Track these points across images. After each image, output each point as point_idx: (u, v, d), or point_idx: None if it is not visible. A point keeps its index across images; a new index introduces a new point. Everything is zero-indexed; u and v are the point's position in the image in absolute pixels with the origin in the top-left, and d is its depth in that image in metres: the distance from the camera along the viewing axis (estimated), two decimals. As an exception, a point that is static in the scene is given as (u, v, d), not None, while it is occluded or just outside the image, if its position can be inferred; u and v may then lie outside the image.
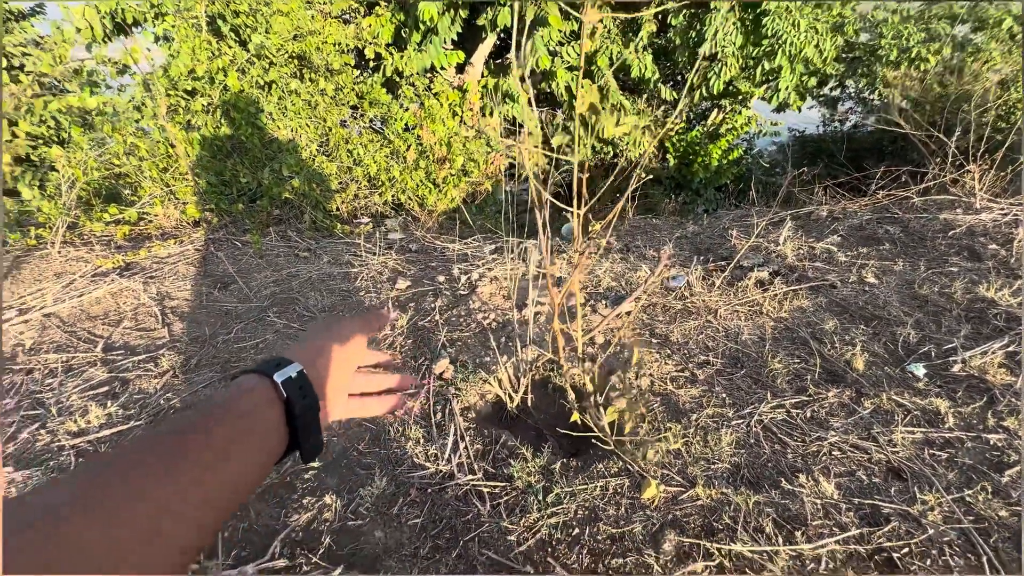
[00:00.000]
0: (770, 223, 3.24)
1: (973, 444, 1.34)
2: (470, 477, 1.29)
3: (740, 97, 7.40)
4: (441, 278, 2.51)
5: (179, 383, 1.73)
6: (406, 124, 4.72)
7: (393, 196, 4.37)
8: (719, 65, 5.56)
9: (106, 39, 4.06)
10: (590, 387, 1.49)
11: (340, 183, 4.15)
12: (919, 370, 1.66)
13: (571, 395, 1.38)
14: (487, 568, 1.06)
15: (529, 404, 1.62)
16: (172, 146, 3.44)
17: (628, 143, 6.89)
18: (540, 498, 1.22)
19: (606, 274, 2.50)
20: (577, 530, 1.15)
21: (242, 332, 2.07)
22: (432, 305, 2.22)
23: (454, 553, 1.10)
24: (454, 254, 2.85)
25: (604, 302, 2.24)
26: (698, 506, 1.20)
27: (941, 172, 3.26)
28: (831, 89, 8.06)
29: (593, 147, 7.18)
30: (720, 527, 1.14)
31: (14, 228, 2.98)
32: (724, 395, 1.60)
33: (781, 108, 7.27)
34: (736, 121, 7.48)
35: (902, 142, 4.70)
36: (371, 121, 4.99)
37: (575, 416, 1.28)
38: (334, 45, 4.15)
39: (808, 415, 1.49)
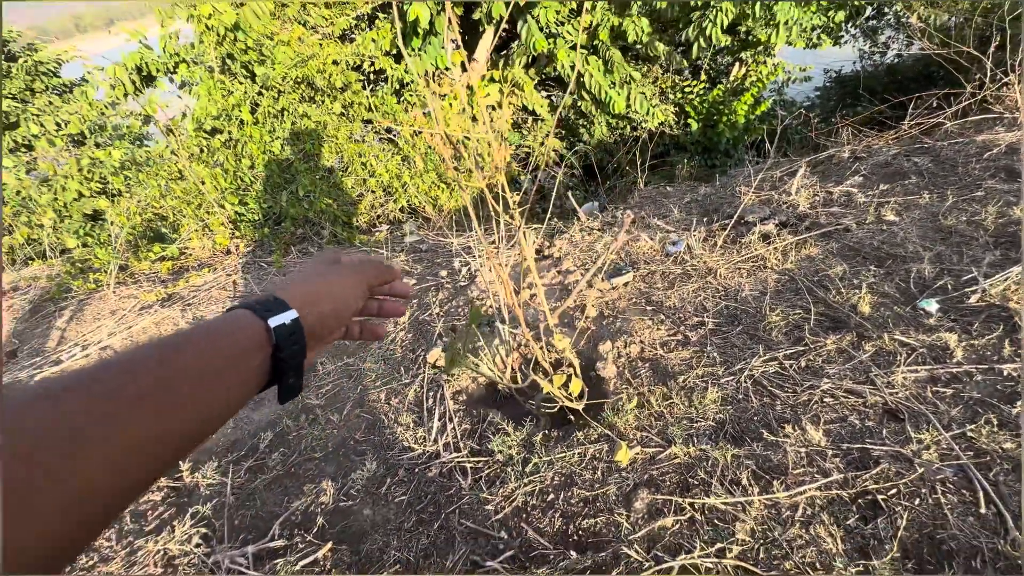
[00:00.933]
0: (785, 173, 3.07)
1: (984, 377, 1.24)
2: (455, 455, 1.35)
3: (762, 47, 6.99)
4: (443, 272, 2.58)
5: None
6: (415, 130, 4.84)
7: (408, 201, 4.50)
8: (713, 11, 5.27)
9: (137, 92, 4.45)
10: (573, 359, 1.51)
11: (357, 195, 4.33)
12: (931, 306, 1.54)
13: (546, 367, 1.40)
14: (465, 536, 1.12)
15: (519, 382, 1.65)
16: (202, 182, 3.74)
17: (643, 115, 6.68)
18: (519, 469, 1.26)
19: (605, 248, 2.48)
20: (552, 496, 1.17)
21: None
22: (433, 299, 2.30)
23: (436, 524, 1.17)
24: (459, 248, 2.91)
25: (600, 276, 2.22)
26: (675, 464, 1.19)
27: (979, 90, 2.95)
28: (866, 19, 7.44)
29: (608, 123, 7.01)
30: (695, 482, 1.13)
31: (76, 275, 3.36)
32: (716, 354, 1.56)
33: (811, 47, 6.76)
34: (761, 72, 7.06)
35: (954, 65, 4.26)
36: (385, 130, 5.16)
37: (545, 387, 1.31)
38: (334, 64, 4.32)
39: (803, 365, 1.43)
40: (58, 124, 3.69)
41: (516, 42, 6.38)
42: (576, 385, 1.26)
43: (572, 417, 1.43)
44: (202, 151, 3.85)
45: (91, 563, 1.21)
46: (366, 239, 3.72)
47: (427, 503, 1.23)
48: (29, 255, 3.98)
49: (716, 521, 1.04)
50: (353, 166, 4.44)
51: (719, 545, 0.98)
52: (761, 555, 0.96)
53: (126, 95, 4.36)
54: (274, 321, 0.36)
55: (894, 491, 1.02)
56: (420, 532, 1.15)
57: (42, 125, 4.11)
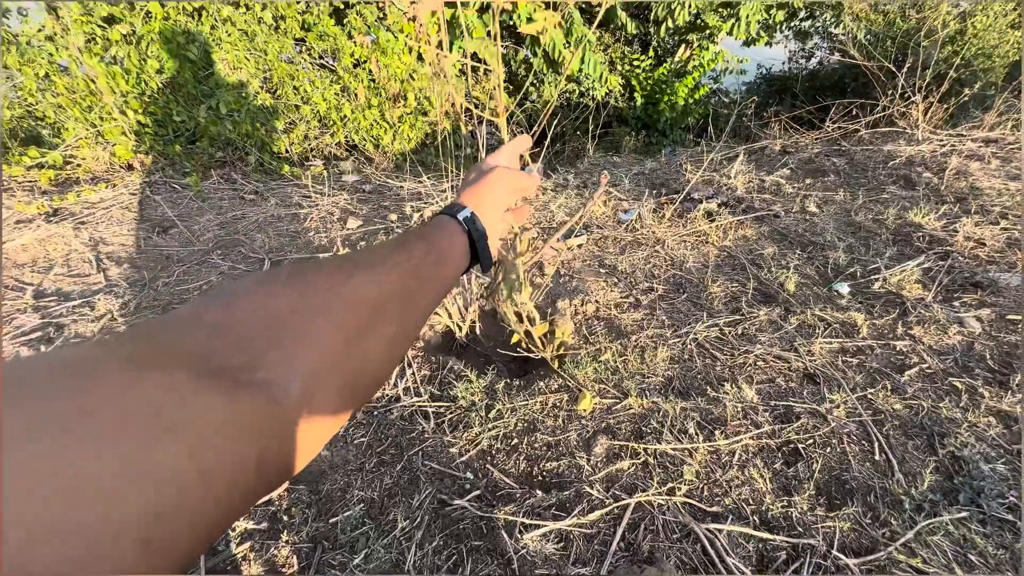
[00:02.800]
0: (724, 158, 3.28)
1: (881, 351, 1.46)
2: (415, 399, 1.33)
3: (708, 32, 7.23)
4: (393, 216, 2.46)
5: (118, 326, 1.68)
6: (356, 60, 4.42)
7: (346, 137, 4.17)
8: None
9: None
10: (534, 313, 1.53)
11: (288, 123, 3.92)
12: (844, 288, 1.76)
13: (512, 318, 1.42)
14: (429, 477, 1.13)
15: (478, 332, 1.66)
16: (93, 82, 3.14)
17: (594, 80, 6.69)
18: (483, 414, 1.28)
19: (560, 208, 2.51)
20: (516, 440, 1.22)
21: (184, 275, 2.01)
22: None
23: (399, 466, 1.16)
24: (407, 193, 2.78)
25: (557, 237, 2.25)
26: (630, 414, 1.28)
27: (890, 105, 3.32)
28: (801, 20, 7.95)
29: (557, 85, 6.95)
30: (648, 431, 1.23)
31: (-81, 173, 2.72)
32: (664, 318, 1.67)
33: (749, 43, 7.14)
34: (703, 57, 7.33)
35: (863, 79, 4.73)
36: (320, 56, 4.65)
37: (515, 337, 1.32)
38: (268, -35, 3.77)
39: (739, 332, 1.59)
40: None
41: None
42: (542, 328, 1.29)
43: (532, 369, 1.47)
44: (92, 40, 3.21)
45: None
46: (298, 172, 3.41)
47: (388, 445, 1.22)
48: None
49: (667, 464, 1.14)
50: (283, 89, 3.98)
51: (670, 485, 1.09)
52: (705, 493, 1.08)
53: None
54: (461, 215, 0.50)
55: (811, 441, 1.19)
56: (383, 472, 1.14)
57: None
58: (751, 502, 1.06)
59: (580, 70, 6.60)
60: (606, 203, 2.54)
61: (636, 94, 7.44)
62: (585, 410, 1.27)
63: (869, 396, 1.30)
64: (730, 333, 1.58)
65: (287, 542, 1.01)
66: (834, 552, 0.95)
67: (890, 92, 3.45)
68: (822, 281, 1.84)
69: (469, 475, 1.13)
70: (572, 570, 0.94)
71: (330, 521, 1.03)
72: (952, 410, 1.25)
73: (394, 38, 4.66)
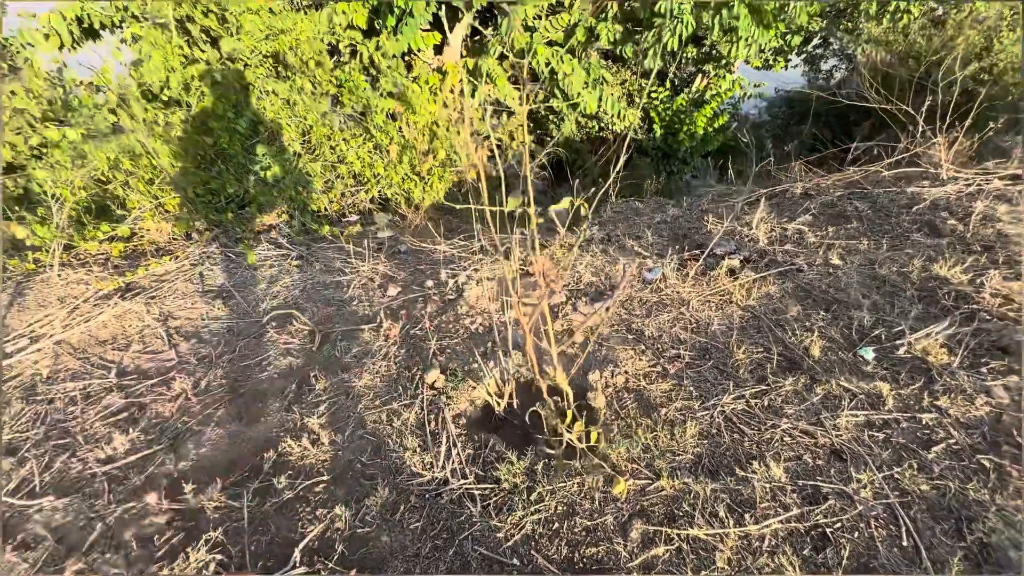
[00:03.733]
0: (746, 203, 3.35)
1: (907, 424, 1.51)
2: (463, 482, 1.45)
3: (723, 61, 7.33)
4: (429, 283, 2.63)
5: (192, 405, 1.88)
6: (387, 114, 4.71)
7: (379, 192, 4.42)
8: (675, 22, 5.50)
9: (75, 45, 4.03)
10: (567, 388, 1.65)
11: (326, 182, 4.20)
12: (869, 354, 1.81)
13: (548, 403, 1.53)
14: (480, 563, 1.24)
15: (515, 406, 1.77)
16: (155, 157, 3.48)
17: (612, 116, 6.86)
18: (524, 497, 1.39)
19: (586, 269, 2.63)
20: (556, 524, 1.32)
21: (245, 350, 2.21)
22: (422, 312, 2.36)
23: (451, 551, 1.28)
24: (441, 255, 2.96)
25: (585, 299, 2.37)
26: (663, 496, 1.37)
27: (911, 144, 3.35)
28: (814, 47, 8.00)
29: (577, 122, 7.15)
30: (680, 514, 1.31)
31: (12, 254, 3.06)
32: (692, 388, 1.76)
33: (766, 67, 7.23)
34: (720, 86, 7.44)
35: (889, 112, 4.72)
36: (351, 113, 4.97)
37: (565, 433, 1.44)
38: (307, 41, 4.11)
39: (766, 404, 1.65)
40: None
41: (491, 29, 6.33)
42: (579, 428, 1.40)
43: (569, 445, 1.57)
44: (157, 123, 3.57)
45: (100, 591, 1.22)
46: (336, 232, 3.65)
47: (440, 529, 1.34)
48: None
49: (700, 550, 1.22)
50: (321, 149, 4.28)
51: (704, 573, 1.17)
52: (737, 581, 1.15)
53: (61, 47, 3.93)
54: None
55: (839, 525, 1.25)
56: (437, 559, 1.26)
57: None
58: (782, 591, 1.13)
59: (599, 106, 6.80)
60: (630, 262, 2.65)
61: (655, 125, 7.58)
62: (621, 493, 1.36)
63: (895, 476, 1.35)
64: (756, 405, 1.65)
65: (357, 628, 1.13)
66: (863, 647, 1.01)
67: (910, 129, 3.47)
68: (847, 345, 1.89)
69: (516, 561, 1.24)
70: (615, 660, 1.03)
71: (394, 609, 1.16)
72: (980, 491, 1.29)
73: (419, 88, 4.94)
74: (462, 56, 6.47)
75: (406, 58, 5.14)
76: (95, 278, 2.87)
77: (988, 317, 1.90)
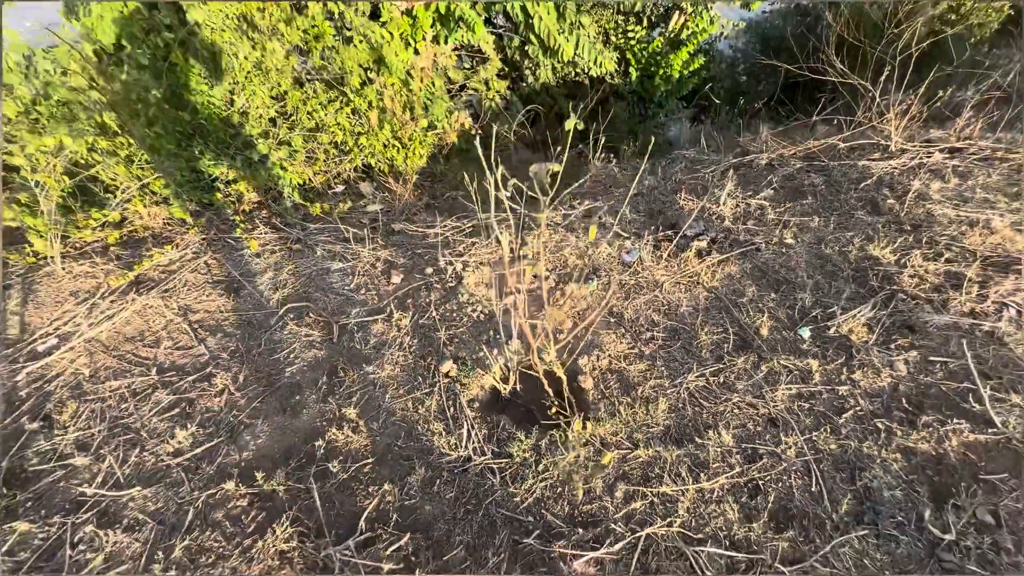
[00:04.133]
0: (715, 174, 3.61)
1: (828, 395, 1.94)
2: (483, 458, 1.82)
3: (701, -3, 7.15)
4: (429, 269, 2.86)
5: (237, 400, 2.16)
6: (362, 79, 4.61)
7: (363, 160, 4.45)
8: None
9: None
10: (560, 372, 1.99)
11: (308, 152, 4.21)
12: (806, 333, 2.21)
13: (548, 393, 1.88)
14: (503, 521, 1.63)
15: (518, 389, 2.12)
16: (131, 134, 3.43)
17: (589, 62, 6.77)
18: (533, 468, 1.77)
19: (571, 254, 2.90)
20: (560, 489, 1.71)
21: (271, 343, 2.46)
22: (427, 300, 2.62)
23: (480, 513, 1.67)
24: (437, 240, 3.16)
25: (573, 284, 2.68)
26: (640, 462, 1.77)
27: (867, 116, 3.60)
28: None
29: (553, 67, 7.02)
30: (652, 476, 1.72)
31: (10, 248, 3.11)
32: (663, 368, 2.13)
33: (746, 5, 7.14)
34: (698, 24, 7.33)
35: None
36: (322, 69, 4.82)
37: (553, 410, 1.79)
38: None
39: (721, 380, 2.05)
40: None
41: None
42: (579, 424, 1.77)
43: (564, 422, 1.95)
44: (129, 96, 3.47)
45: (210, 560, 1.57)
46: (327, 208, 3.77)
47: (469, 497, 1.72)
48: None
49: (667, 503, 1.64)
50: (299, 115, 4.24)
51: (669, 519, 1.59)
52: (693, 524, 1.59)
53: None
54: None
55: (768, 478, 1.69)
56: (471, 520, 1.65)
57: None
58: (724, 529, 1.57)
59: (576, 53, 6.68)
60: (610, 243, 2.94)
61: (632, 68, 7.50)
62: (608, 462, 1.76)
63: (813, 438, 1.79)
64: (713, 382, 2.04)
65: None
66: (776, 563, 1.47)
67: (868, 98, 3.71)
68: (790, 324, 2.28)
69: (530, 518, 1.64)
70: (606, 583, 1.46)
71: (444, 559, 1.55)
72: (871, 447, 1.73)
73: (389, 35, 4.82)
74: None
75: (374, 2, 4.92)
76: (102, 271, 2.99)
77: (904, 297, 2.31)
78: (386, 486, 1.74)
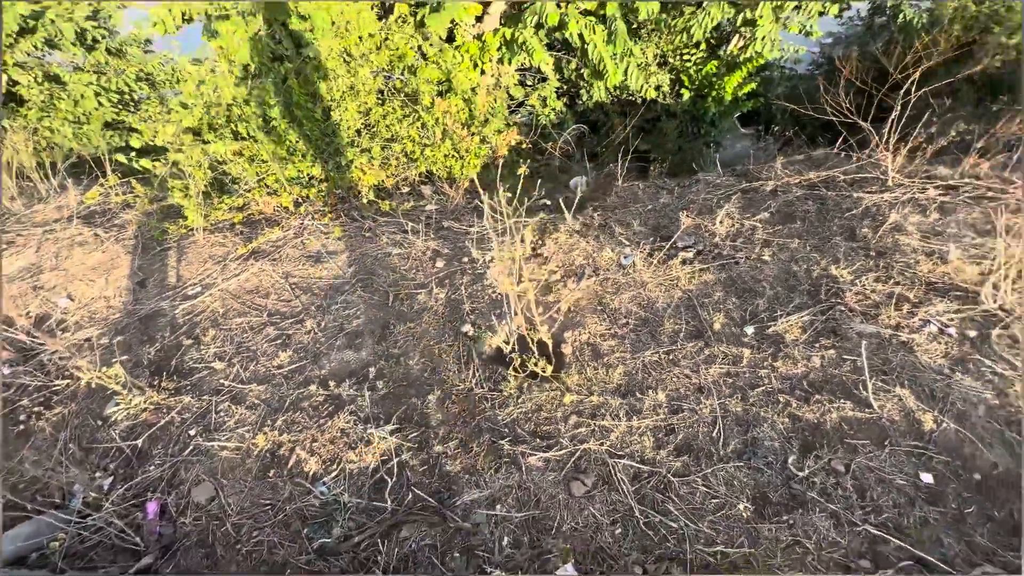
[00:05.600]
0: (722, 197, 4.11)
1: (749, 375, 2.49)
2: (481, 390, 2.57)
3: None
4: (466, 259, 3.66)
5: (320, 337, 3.05)
6: (431, 98, 5.51)
7: (426, 168, 5.36)
8: (702, 13, 5.88)
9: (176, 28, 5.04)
10: (549, 341, 2.69)
11: (383, 159, 5.17)
12: (749, 330, 2.75)
13: (532, 346, 2.59)
14: (487, 430, 2.37)
15: (516, 349, 2.84)
16: (254, 139, 4.52)
17: (636, 89, 7.32)
18: (515, 400, 2.49)
19: (580, 255, 3.58)
20: (532, 415, 2.42)
21: (345, 303, 3.35)
22: (460, 281, 3.41)
23: (473, 424, 2.41)
24: (474, 236, 3.95)
25: (574, 278, 3.35)
26: (591, 405, 2.44)
27: (868, 154, 3.96)
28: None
29: (607, 89, 7.63)
30: (598, 414, 2.38)
31: (173, 221, 4.28)
32: (628, 345, 2.77)
33: (807, 34, 7.40)
34: (757, 47, 7.63)
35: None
36: (402, 88, 5.78)
37: (539, 365, 2.50)
38: (367, 34, 4.91)
39: (670, 358, 2.65)
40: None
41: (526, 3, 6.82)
42: (545, 366, 2.46)
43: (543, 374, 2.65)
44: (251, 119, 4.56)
45: (298, 430, 2.43)
46: (394, 205, 4.68)
47: (468, 413, 2.47)
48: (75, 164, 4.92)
49: (603, 431, 2.30)
50: (378, 127, 5.21)
51: (601, 439, 2.25)
52: (618, 446, 2.23)
53: (165, 33, 4.96)
54: None
55: (682, 424, 2.29)
56: (468, 425, 2.40)
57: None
58: (639, 452, 2.20)
59: (624, 79, 7.28)
60: (612, 249, 3.57)
61: (684, 89, 7.95)
62: (568, 403, 2.43)
63: (726, 402, 2.36)
64: (664, 359, 2.65)
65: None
66: (668, 475, 2.08)
67: (872, 137, 4.04)
68: (740, 323, 2.83)
69: (506, 430, 2.36)
70: (549, 475, 2.15)
71: (444, 446, 2.31)
72: (767, 412, 2.28)
73: (460, 56, 5.71)
74: (499, 27, 7.01)
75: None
76: (231, 242, 4.06)
77: (843, 309, 2.77)
78: (413, 400, 2.54)
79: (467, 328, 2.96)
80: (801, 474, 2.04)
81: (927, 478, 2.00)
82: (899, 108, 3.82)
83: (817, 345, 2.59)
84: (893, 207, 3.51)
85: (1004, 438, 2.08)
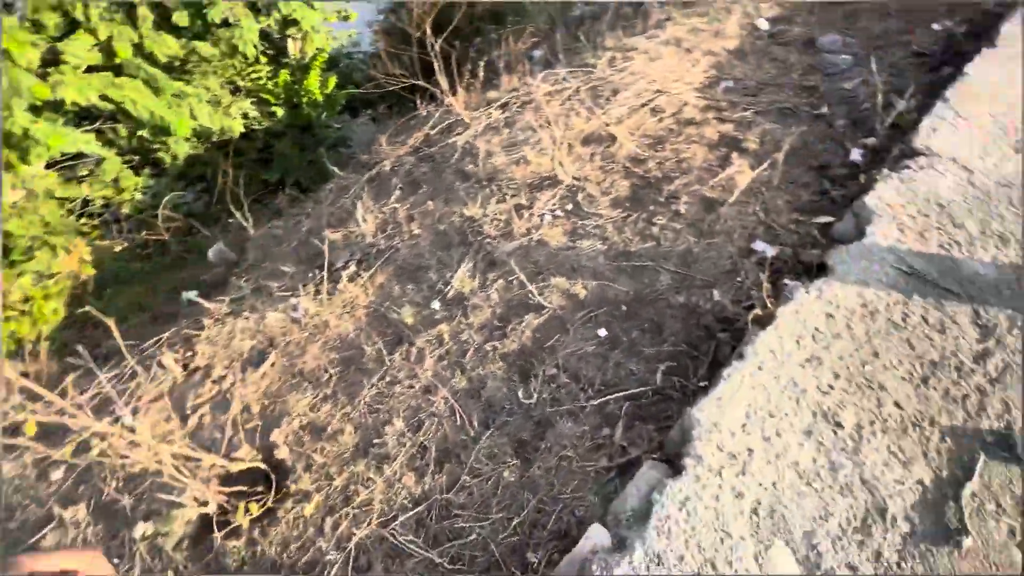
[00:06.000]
0: (353, 197, 4.02)
1: (456, 347, 2.52)
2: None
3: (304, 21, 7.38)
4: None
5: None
6: None
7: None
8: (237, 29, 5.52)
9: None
10: (257, 461, 2.15)
11: None
12: (436, 304, 2.79)
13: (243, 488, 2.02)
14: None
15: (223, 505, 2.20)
16: None
17: (216, 130, 6.46)
18: (247, 557, 1.93)
19: (244, 336, 2.97)
20: (281, 554, 1.92)
21: None
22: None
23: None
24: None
25: (251, 368, 2.77)
26: (338, 489, 2.08)
27: (436, 106, 4.43)
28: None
29: (185, 139, 6.53)
30: (351, 494, 2.05)
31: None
32: (343, 397, 2.46)
33: (345, 18, 7.64)
34: (316, 44, 7.57)
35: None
36: None
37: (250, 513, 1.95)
38: None
39: (388, 380, 2.48)
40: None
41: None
42: (265, 493, 1.96)
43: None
44: None
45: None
46: None
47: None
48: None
49: (365, 506, 1.99)
50: None
51: (367, 518, 1.95)
52: (388, 508, 1.97)
53: None
54: None
55: (430, 435, 2.18)
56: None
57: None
58: (407, 496, 1.99)
59: (195, 121, 6.36)
60: (277, 309, 3.10)
61: (274, 107, 7.38)
62: (313, 511, 2.01)
63: (453, 385, 2.35)
64: (382, 385, 2.46)
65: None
66: (443, 496, 1.96)
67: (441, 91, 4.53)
68: (427, 303, 2.84)
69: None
70: None
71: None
72: (485, 368, 2.37)
73: None
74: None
75: None
76: None
77: (489, 240, 3.06)
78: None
79: (143, 530, 2.12)
80: (531, 400, 2.19)
81: (602, 332, 2.41)
82: (440, 60, 4.32)
83: (487, 283, 2.80)
84: (477, 138, 4.04)
85: (619, 268, 2.67)
